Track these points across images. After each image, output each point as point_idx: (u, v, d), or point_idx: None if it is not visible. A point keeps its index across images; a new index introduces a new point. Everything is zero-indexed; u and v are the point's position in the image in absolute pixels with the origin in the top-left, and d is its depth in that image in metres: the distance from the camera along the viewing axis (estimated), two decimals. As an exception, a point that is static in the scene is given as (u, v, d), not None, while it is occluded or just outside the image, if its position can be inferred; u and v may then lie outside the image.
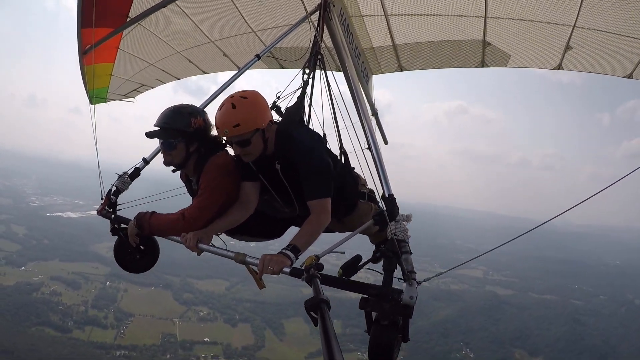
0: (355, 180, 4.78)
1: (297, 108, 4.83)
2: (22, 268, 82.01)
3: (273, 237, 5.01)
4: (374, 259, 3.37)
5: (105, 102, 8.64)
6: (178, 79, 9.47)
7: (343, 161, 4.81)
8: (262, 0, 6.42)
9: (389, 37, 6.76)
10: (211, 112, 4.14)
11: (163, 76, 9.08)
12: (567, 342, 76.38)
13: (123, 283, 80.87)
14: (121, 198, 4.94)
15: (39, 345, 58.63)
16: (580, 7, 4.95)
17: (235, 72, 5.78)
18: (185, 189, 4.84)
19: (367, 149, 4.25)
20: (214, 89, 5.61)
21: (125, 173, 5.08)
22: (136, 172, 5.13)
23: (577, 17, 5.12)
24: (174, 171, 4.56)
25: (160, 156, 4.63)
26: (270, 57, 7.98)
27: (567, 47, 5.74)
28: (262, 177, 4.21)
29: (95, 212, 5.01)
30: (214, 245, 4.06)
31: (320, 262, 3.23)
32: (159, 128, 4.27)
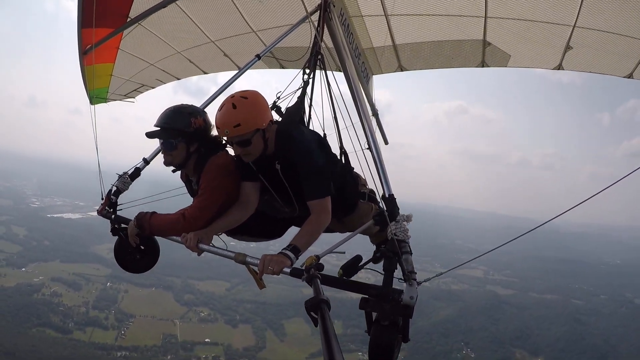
0: (356, 180, 4.78)
1: (298, 108, 4.84)
2: (23, 269, 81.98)
3: (273, 237, 5.01)
4: (375, 259, 3.37)
5: (105, 102, 8.64)
6: (178, 79, 9.47)
7: (343, 161, 4.81)
8: (262, 0, 6.42)
9: (389, 37, 6.76)
10: (211, 112, 4.14)
11: (163, 76, 9.08)
12: (568, 342, 76.32)
13: (124, 284, 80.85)
14: (121, 198, 4.95)
15: (40, 347, 58.61)
16: (580, 7, 4.95)
17: (235, 72, 5.78)
18: (185, 189, 4.85)
19: (368, 149, 4.25)
20: (213, 89, 5.62)
21: (125, 173, 5.08)
22: (136, 172, 5.13)
23: (577, 17, 5.11)
24: (174, 171, 4.56)
25: (160, 156, 4.63)
26: (271, 57, 7.98)
27: (568, 47, 5.74)
28: (262, 177, 4.21)
29: (95, 213, 5.01)
30: (214, 246, 4.07)
31: (320, 262, 3.23)
32: (159, 128, 4.27)
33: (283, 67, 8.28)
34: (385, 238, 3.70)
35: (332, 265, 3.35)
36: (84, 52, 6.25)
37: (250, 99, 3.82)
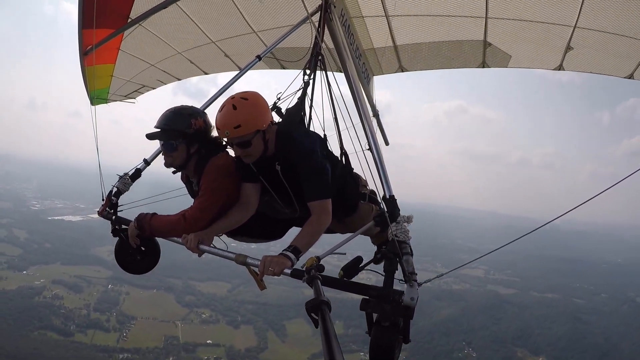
0: (356, 181, 4.77)
1: (298, 109, 4.83)
2: (24, 272, 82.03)
3: (274, 238, 5.01)
4: (375, 260, 3.38)
5: (106, 103, 8.64)
6: (179, 79, 9.47)
7: (344, 162, 4.81)
8: (263, 0, 6.41)
9: (389, 38, 6.75)
10: (212, 113, 4.13)
11: (164, 77, 9.08)
12: (569, 341, 76.29)
13: (125, 286, 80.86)
14: (122, 199, 4.96)
15: (42, 349, 58.60)
16: (581, 8, 4.94)
17: (236, 72, 5.77)
18: (185, 190, 4.85)
19: (368, 149, 4.24)
20: (213, 91, 5.62)
21: (126, 174, 5.10)
22: (137, 173, 5.15)
23: (577, 18, 5.11)
24: (174, 172, 4.57)
25: (160, 158, 4.63)
26: (271, 57, 7.97)
27: (568, 48, 5.73)
28: (262, 178, 4.20)
29: (96, 215, 5.02)
30: (215, 247, 4.08)
31: (321, 263, 3.24)
32: (159, 130, 4.28)
33: (284, 68, 8.28)
34: (386, 239, 3.69)
35: (333, 265, 3.35)
36: (84, 53, 6.27)
37: (251, 100, 3.81)
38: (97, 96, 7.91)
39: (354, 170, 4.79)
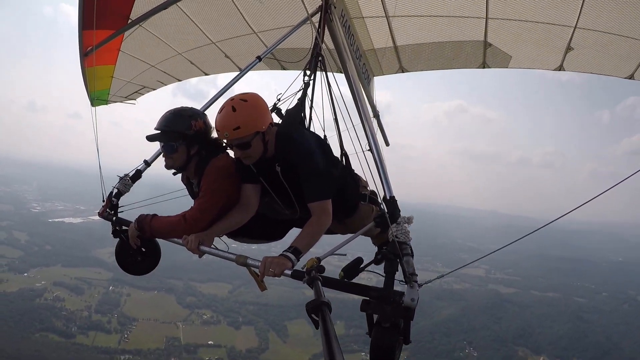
0: (356, 181, 4.76)
1: (298, 110, 4.82)
2: (25, 274, 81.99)
3: (274, 239, 5.01)
4: (376, 261, 3.38)
5: (106, 104, 8.63)
6: (179, 80, 9.45)
7: (344, 163, 4.81)
8: (263, 0, 6.41)
9: (390, 39, 6.73)
10: (212, 114, 4.14)
11: (164, 78, 9.08)
12: (570, 340, 76.26)
13: (126, 288, 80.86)
14: (122, 200, 4.96)
15: (43, 351, 58.62)
16: (581, 8, 4.93)
17: (236, 73, 5.77)
18: (186, 192, 4.86)
19: (369, 150, 4.24)
20: (213, 92, 5.63)
21: (126, 175, 5.10)
22: (137, 174, 5.14)
23: (578, 18, 5.10)
24: (174, 174, 4.58)
25: (161, 159, 4.64)
26: (272, 58, 7.96)
27: (569, 48, 5.72)
28: (262, 179, 4.21)
29: (96, 217, 5.02)
30: (215, 248, 4.08)
31: (321, 264, 3.24)
32: (159, 131, 4.28)
33: (284, 69, 8.28)
34: (386, 240, 3.68)
35: (334, 266, 3.35)
36: (84, 54, 6.27)
37: (250, 101, 3.81)
38: (97, 97, 7.90)
39: (354, 171, 4.79)
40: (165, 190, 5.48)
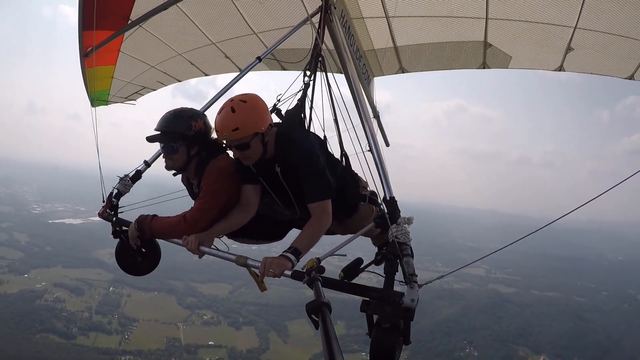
0: (356, 182, 4.75)
1: (298, 111, 4.83)
2: (25, 275, 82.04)
3: (274, 240, 5.02)
4: (376, 262, 3.38)
5: (106, 104, 8.62)
6: (179, 81, 9.43)
7: (344, 163, 4.81)
8: (263, 1, 6.41)
9: (390, 39, 6.71)
10: (212, 115, 4.14)
11: (164, 78, 9.07)
12: (571, 339, 76.34)
13: (126, 289, 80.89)
14: (122, 201, 4.96)
15: (44, 352, 58.71)
16: (581, 9, 4.92)
17: (236, 73, 5.76)
18: (186, 192, 4.86)
19: (369, 151, 4.23)
20: (212, 93, 5.63)
21: (126, 176, 5.10)
22: (137, 174, 5.15)
23: (578, 19, 5.08)
24: (175, 174, 4.58)
25: (161, 160, 4.64)
26: (272, 59, 7.94)
27: (569, 49, 5.70)
28: (262, 180, 4.21)
29: (96, 218, 5.02)
30: (216, 248, 4.09)
31: (321, 264, 3.24)
32: (159, 132, 4.28)
33: (284, 69, 8.27)
34: (386, 240, 3.68)
35: (334, 266, 3.35)
36: (84, 55, 6.25)
37: (250, 102, 3.81)
38: (97, 98, 7.89)
39: (354, 172, 4.79)
40: (165, 191, 5.49)
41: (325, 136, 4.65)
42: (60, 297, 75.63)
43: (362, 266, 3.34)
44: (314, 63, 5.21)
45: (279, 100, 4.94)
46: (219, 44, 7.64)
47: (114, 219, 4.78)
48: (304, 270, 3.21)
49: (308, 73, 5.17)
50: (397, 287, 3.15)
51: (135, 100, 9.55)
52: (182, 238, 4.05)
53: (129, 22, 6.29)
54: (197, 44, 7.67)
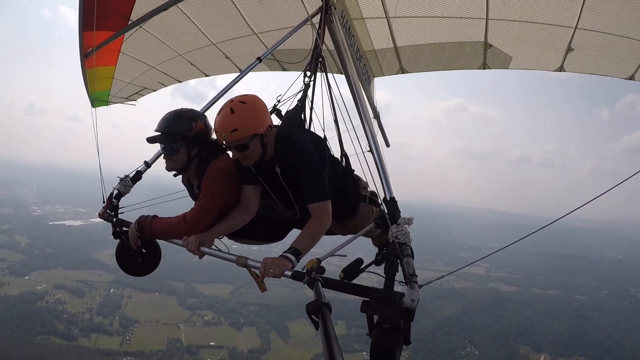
0: (356, 182, 4.76)
1: (298, 111, 4.82)
2: (26, 277, 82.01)
3: (275, 240, 5.02)
4: (376, 262, 3.38)
5: (107, 105, 8.62)
6: (180, 81, 9.42)
7: (344, 164, 4.81)
8: (263, 1, 6.41)
9: (390, 40, 6.70)
10: (212, 116, 4.15)
11: (165, 79, 9.07)
12: (571, 337, 76.32)
13: (127, 290, 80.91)
14: (123, 202, 4.96)
15: (45, 354, 58.66)
16: (582, 9, 4.91)
17: (236, 74, 5.77)
18: (186, 193, 4.86)
19: (369, 151, 4.23)
20: (212, 93, 5.63)
21: (126, 176, 5.09)
22: (138, 175, 5.14)
23: (578, 19, 5.08)
24: (175, 175, 4.58)
25: (161, 161, 4.64)
26: (272, 59, 7.93)
27: (569, 49, 5.69)
28: (262, 180, 4.21)
29: (96, 220, 5.02)
30: (216, 248, 4.09)
31: (321, 265, 3.24)
32: (160, 133, 4.28)
33: (284, 70, 8.26)
34: (387, 241, 3.67)
35: (335, 266, 3.35)
36: (85, 55, 6.25)
37: (249, 103, 3.82)
38: (97, 98, 7.89)
39: (354, 172, 4.79)
40: (166, 192, 5.50)
41: (325, 137, 4.66)
42: (61, 299, 75.63)
43: (362, 266, 3.34)
44: (314, 63, 5.20)
45: (279, 101, 4.94)
46: (220, 44, 7.63)
47: (115, 219, 4.78)
48: (304, 271, 3.21)
49: (308, 73, 5.16)
50: (398, 288, 3.15)
51: (135, 100, 9.55)
52: (183, 239, 4.05)
53: (130, 22, 6.29)
54: (197, 44, 7.67)
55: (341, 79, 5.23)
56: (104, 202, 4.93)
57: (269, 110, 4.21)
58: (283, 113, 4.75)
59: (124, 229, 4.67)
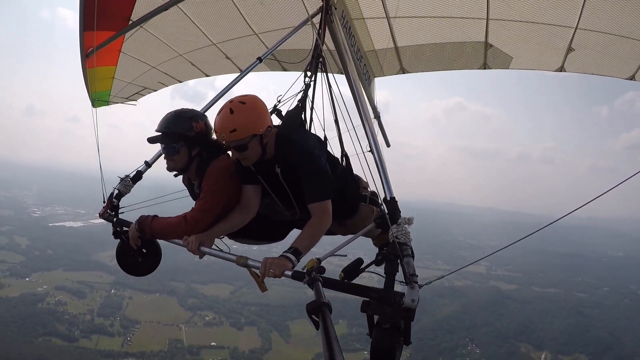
0: (357, 182, 4.77)
1: (298, 111, 4.82)
2: (27, 279, 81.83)
3: (275, 240, 5.03)
4: (376, 262, 3.39)
5: (107, 105, 8.62)
6: (180, 81, 9.43)
7: (344, 164, 4.81)
8: (263, 1, 6.41)
9: (391, 40, 6.70)
10: (213, 116, 4.15)
11: (165, 79, 9.09)
12: (572, 335, 76.29)
13: (128, 291, 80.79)
14: (123, 202, 4.97)
15: (47, 356, 58.55)
16: (582, 9, 4.92)
17: (236, 74, 5.77)
18: (186, 193, 4.87)
19: (369, 151, 4.24)
20: (211, 94, 5.64)
21: (127, 176, 5.11)
22: (138, 175, 5.16)
23: (579, 19, 5.08)
24: (176, 175, 4.59)
25: (161, 161, 4.65)
26: (272, 59, 7.94)
27: (569, 49, 5.70)
28: (262, 180, 4.22)
29: (97, 221, 5.03)
30: (217, 248, 4.10)
31: (322, 265, 3.25)
32: (160, 133, 4.29)
33: (285, 70, 8.27)
34: (387, 241, 3.68)
35: (335, 266, 3.36)
36: (85, 55, 6.26)
37: (249, 104, 3.83)
38: (98, 98, 7.90)
39: (354, 172, 4.79)
40: (166, 192, 5.51)
41: (325, 136, 4.66)
42: (62, 300, 75.50)
43: (362, 266, 3.35)
44: (315, 63, 5.20)
45: (279, 101, 4.94)
46: (220, 44, 7.65)
47: (115, 219, 4.80)
48: (305, 271, 3.21)
49: (309, 74, 5.16)
50: (398, 288, 3.15)
51: (136, 100, 9.56)
52: (183, 239, 4.06)
53: (130, 22, 6.30)
54: (197, 44, 7.68)
55: (341, 79, 5.23)
56: (104, 202, 4.94)
57: (269, 111, 4.22)
58: (283, 113, 4.76)
59: (124, 229, 4.68)
